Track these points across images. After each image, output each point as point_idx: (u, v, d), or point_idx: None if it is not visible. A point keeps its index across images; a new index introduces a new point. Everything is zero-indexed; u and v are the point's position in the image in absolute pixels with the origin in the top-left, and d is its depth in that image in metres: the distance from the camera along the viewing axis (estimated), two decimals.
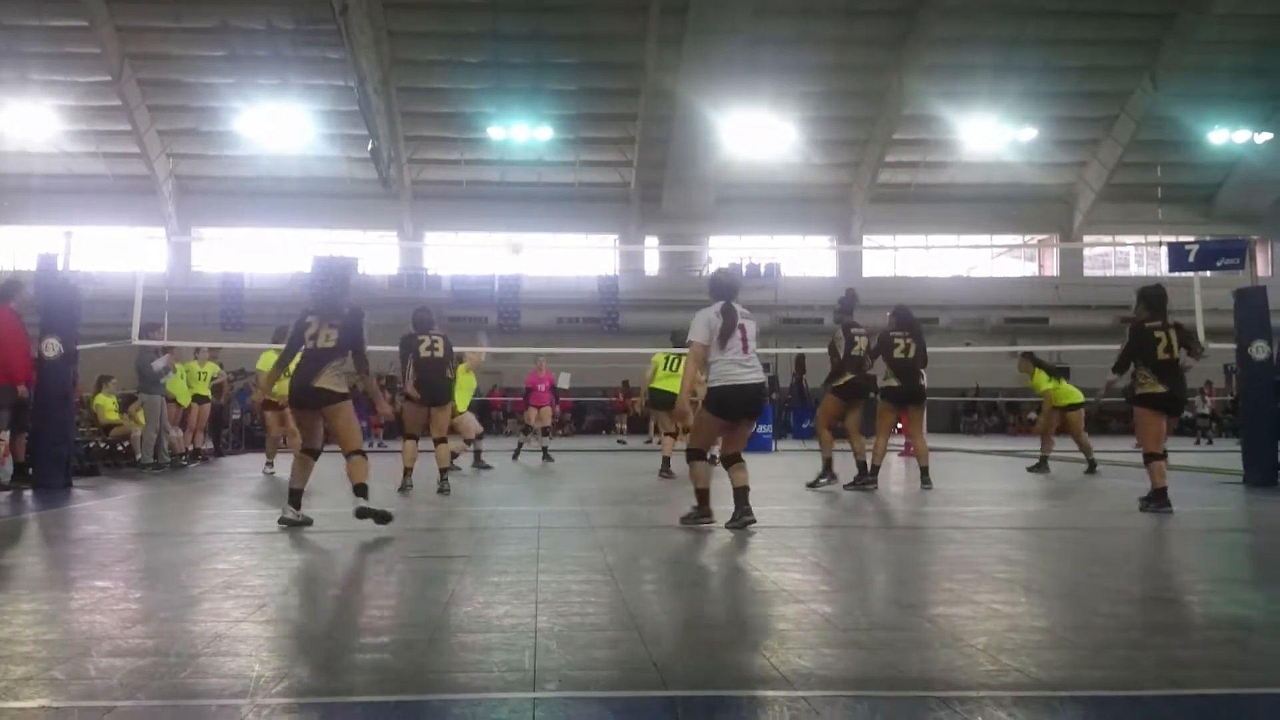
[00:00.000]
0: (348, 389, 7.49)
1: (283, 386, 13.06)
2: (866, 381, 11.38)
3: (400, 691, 3.08)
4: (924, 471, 11.18)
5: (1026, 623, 4.22)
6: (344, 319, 7.51)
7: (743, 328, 7.43)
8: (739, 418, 7.50)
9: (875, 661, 3.56)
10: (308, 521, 7.37)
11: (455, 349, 11.84)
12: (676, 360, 13.34)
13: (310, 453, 7.52)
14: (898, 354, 11.05)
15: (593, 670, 3.35)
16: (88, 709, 2.86)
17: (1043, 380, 14.71)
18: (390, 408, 9.06)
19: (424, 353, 10.65)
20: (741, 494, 7.31)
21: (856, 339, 11.26)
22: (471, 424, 14.89)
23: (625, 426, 31.57)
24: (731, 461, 7.51)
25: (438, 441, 10.63)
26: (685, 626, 3.99)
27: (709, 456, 13.25)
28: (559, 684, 3.14)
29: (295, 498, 7.41)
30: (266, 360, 13.19)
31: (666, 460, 13.19)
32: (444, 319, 35.82)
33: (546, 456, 16.81)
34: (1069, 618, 4.38)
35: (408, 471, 10.32)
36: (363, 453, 7.43)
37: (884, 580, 5.27)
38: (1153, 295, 9.16)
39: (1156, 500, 8.71)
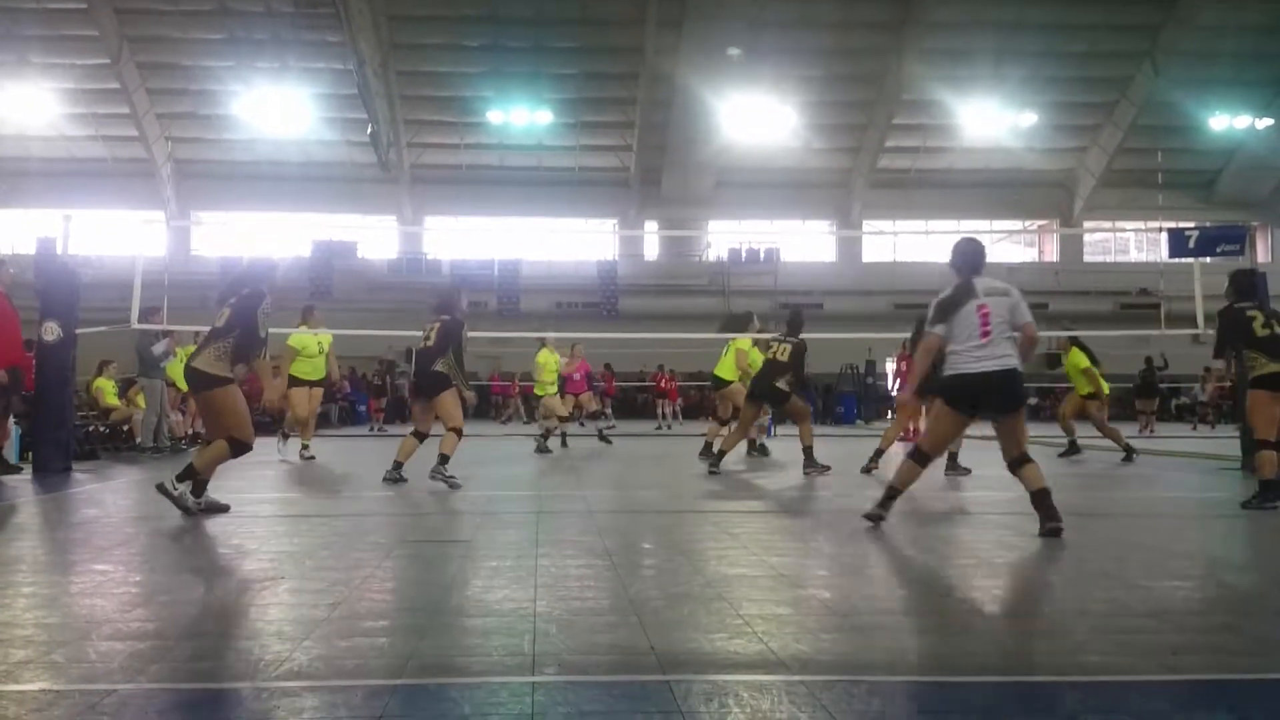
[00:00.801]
0: (227, 374, 7.06)
1: (302, 368, 13.13)
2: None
3: (400, 675, 3.10)
4: (952, 458, 11.14)
5: (1025, 608, 4.24)
6: (239, 298, 7.27)
7: (983, 307, 6.37)
8: (972, 412, 6.47)
9: (873, 646, 3.57)
10: (205, 507, 7.11)
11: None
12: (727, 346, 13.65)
13: (235, 444, 7.14)
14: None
15: (592, 655, 3.36)
16: (88, 692, 2.87)
17: (1082, 360, 14.20)
18: (276, 392, 8.88)
19: (420, 344, 9.86)
20: (1041, 497, 6.28)
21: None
22: (555, 406, 15.73)
23: (608, 411, 31.37)
24: (1019, 464, 6.40)
25: (449, 430, 9.73)
26: (684, 611, 4.00)
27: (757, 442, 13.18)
28: (558, 668, 3.16)
29: (188, 473, 7.10)
30: (298, 340, 13.14)
31: (709, 446, 13.18)
32: None
33: (563, 442, 16.76)
34: (1066, 603, 4.39)
35: (398, 465, 9.67)
36: (227, 442, 7.14)
37: (882, 565, 5.28)
38: (1241, 280, 8.65)
39: (1267, 493, 7.89)
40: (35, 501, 8.68)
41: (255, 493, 9.70)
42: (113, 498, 9.06)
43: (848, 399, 33.85)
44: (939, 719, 2.68)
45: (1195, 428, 26.21)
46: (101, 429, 15.41)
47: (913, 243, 41.67)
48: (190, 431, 16.68)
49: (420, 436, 9.79)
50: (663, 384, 31.01)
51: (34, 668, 3.13)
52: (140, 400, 15.04)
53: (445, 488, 9.05)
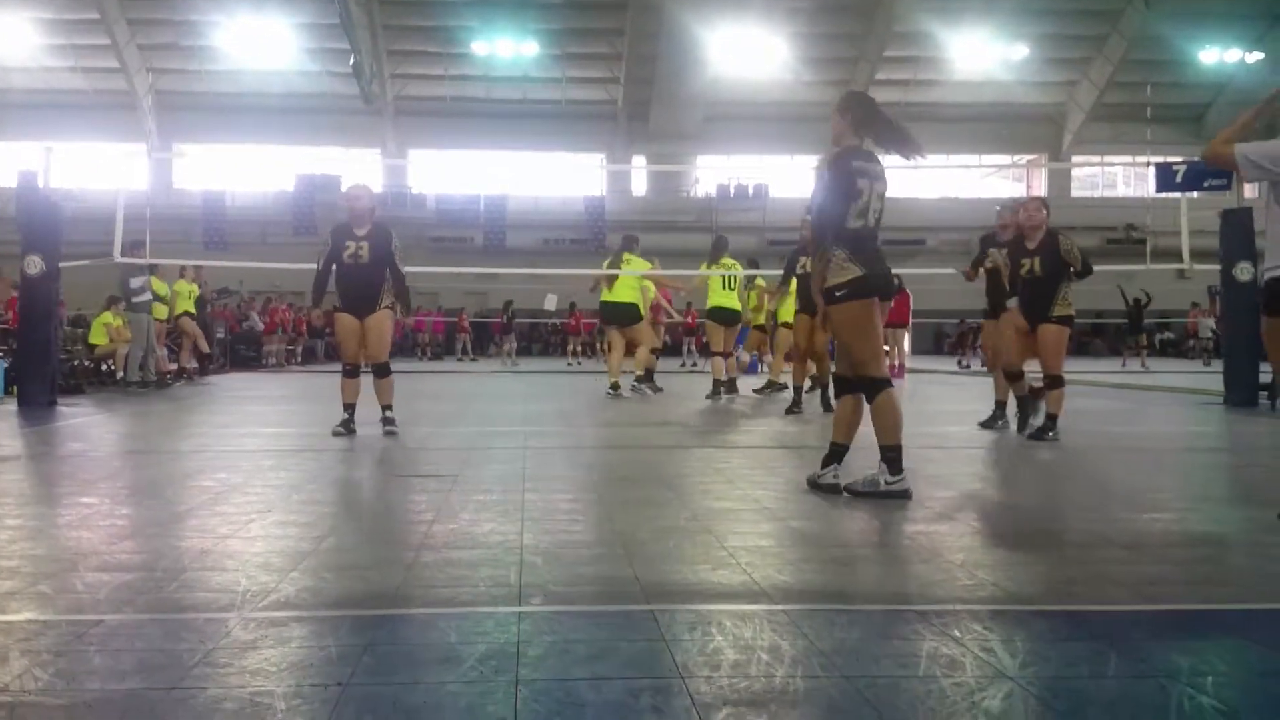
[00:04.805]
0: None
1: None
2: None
3: (386, 606, 3.12)
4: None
5: (1003, 539, 4.29)
6: None
7: None
8: None
9: (854, 577, 3.62)
10: None
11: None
12: (732, 279, 13.11)
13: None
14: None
15: (577, 586, 3.39)
16: (76, 622, 2.89)
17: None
18: None
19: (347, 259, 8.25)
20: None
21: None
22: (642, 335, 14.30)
23: (579, 349, 31.12)
24: None
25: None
26: (669, 544, 4.04)
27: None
28: (544, 599, 3.18)
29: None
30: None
31: (719, 383, 12.70)
32: (427, 239, 35.85)
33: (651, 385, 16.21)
34: (1045, 535, 4.44)
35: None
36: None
37: (864, 499, 5.32)
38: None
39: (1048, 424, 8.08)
40: (20, 435, 8.67)
41: (242, 427, 9.71)
42: (98, 431, 9.06)
43: None
44: (919, 647, 2.72)
45: (1208, 363, 26.18)
46: (86, 363, 15.37)
47: (902, 177, 41.48)
48: (176, 366, 16.66)
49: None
50: (574, 322, 30.70)
51: (21, 599, 3.15)
52: (126, 334, 14.97)
53: (432, 422, 9.06)
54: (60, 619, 2.94)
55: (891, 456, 5.12)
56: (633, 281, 13.30)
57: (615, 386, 13.10)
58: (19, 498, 5.34)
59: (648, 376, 13.72)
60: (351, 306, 8.21)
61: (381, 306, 8.19)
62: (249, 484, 5.57)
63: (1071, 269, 8.07)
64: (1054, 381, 8.11)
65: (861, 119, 5.26)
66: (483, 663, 2.52)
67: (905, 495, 5.06)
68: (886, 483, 5.11)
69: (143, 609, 3.06)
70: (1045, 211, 8.29)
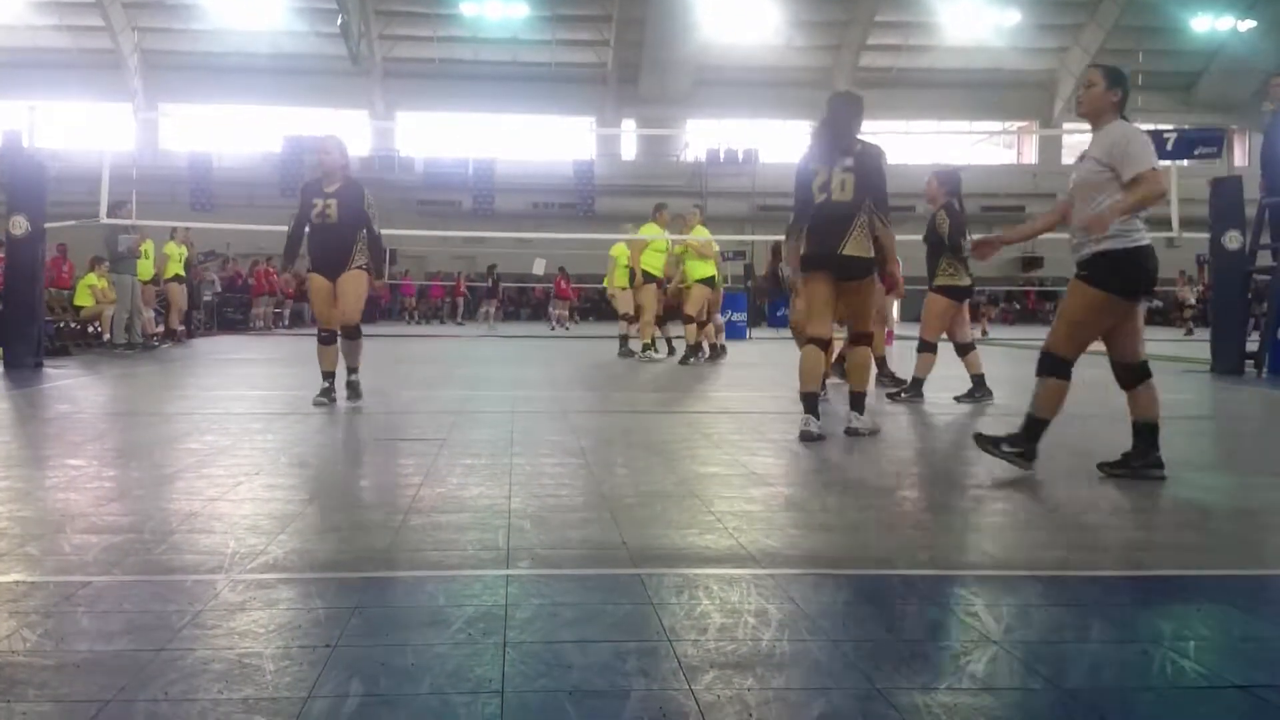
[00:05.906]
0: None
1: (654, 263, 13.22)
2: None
3: (374, 568, 3.12)
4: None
5: (989, 505, 4.31)
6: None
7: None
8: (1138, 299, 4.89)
9: (842, 542, 3.63)
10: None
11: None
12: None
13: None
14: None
15: (565, 549, 3.40)
16: (63, 583, 2.89)
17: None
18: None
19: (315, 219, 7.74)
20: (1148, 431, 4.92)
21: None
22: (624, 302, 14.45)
23: (566, 313, 30.78)
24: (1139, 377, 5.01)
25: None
26: (656, 508, 4.05)
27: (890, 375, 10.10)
28: (531, 562, 3.19)
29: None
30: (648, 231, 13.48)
31: (700, 346, 13.09)
32: (415, 203, 35.70)
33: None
34: (1031, 501, 4.46)
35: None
36: None
37: (853, 465, 5.34)
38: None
39: (916, 387, 8.60)
40: (7, 397, 8.63)
41: (229, 389, 9.68)
42: (85, 394, 9.03)
43: None
44: (905, 611, 2.74)
45: (1190, 332, 26.15)
46: (71, 325, 15.29)
47: (893, 144, 41.32)
48: (163, 328, 16.59)
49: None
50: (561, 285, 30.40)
51: (8, 560, 3.14)
52: (112, 295, 14.88)
53: (420, 386, 9.05)
54: (48, 580, 2.94)
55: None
56: (621, 245, 13.77)
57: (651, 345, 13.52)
58: (5, 460, 5.32)
59: (624, 343, 14.02)
60: (322, 268, 7.71)
61: (353, 267, 7.67)
62: (237, 447, 5.56)
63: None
64: (919, 346, 8.58)
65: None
66: (471, 625, 2.53)
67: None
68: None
69: (131, 571, 3.05)
70: (936, 184, 8.82)
